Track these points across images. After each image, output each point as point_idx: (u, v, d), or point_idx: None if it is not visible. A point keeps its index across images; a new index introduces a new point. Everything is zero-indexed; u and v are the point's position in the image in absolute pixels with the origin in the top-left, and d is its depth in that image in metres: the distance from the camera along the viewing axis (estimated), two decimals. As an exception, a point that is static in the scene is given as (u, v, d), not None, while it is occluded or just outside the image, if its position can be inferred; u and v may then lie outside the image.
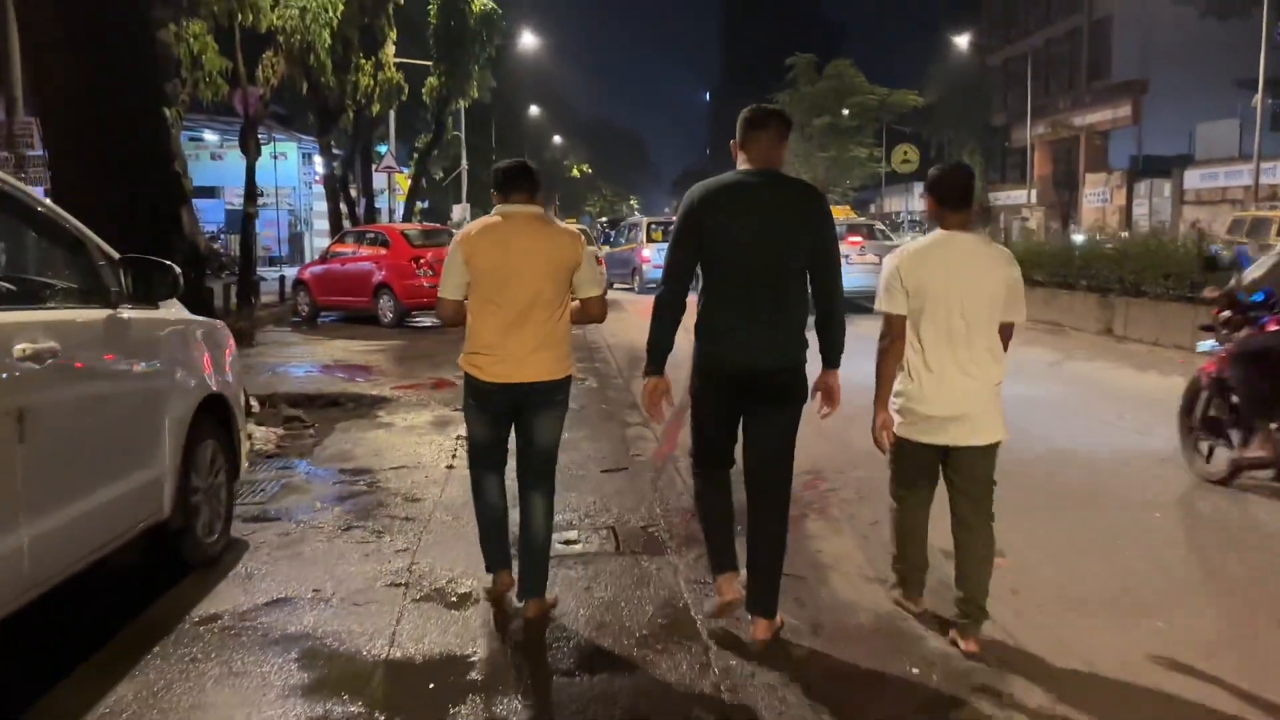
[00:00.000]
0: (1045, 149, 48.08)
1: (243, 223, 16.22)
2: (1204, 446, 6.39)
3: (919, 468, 3.94)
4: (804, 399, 3.86)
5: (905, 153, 22.62)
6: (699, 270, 3.80)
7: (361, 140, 23.41)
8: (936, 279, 3.74)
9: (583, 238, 4.40)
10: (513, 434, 4.24)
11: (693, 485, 4.12)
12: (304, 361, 12.50)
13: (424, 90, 24.91)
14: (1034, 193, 45.81)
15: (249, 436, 6.25)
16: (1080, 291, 13.81)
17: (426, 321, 17.45)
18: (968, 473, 3.83)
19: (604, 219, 56.06)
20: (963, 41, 45.59)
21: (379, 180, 29.01)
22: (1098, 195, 41.90)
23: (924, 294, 3.76)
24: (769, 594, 3.87)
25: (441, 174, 50.38)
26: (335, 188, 21.17)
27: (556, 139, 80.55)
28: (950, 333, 3.74)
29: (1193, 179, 35.98)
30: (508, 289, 3.99)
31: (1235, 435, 6.08)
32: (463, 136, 41.58)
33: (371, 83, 22.00)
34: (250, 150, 15.43)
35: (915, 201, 52.27)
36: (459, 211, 41.72)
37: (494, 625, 4.15)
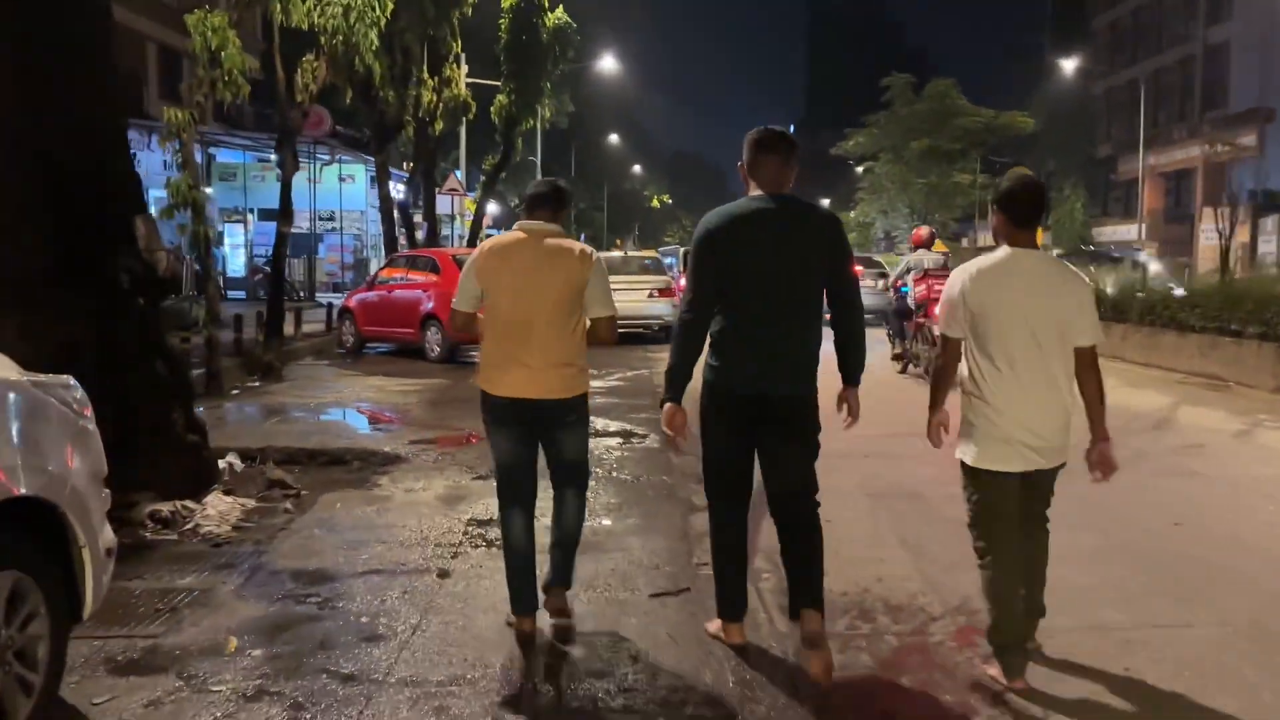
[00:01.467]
0: (1155, 182, 45.08)
1: (275, 244, 14.66)
2: None
3: (1004, 502, 3.68)
4: (818, 424, 3.85)
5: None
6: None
7: (424, 160, 21.93)
8: (1006, 300, 3.58)
9: (595, 256, 4.14)
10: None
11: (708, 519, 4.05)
12: (324, 403, 10.79)
13: (492, 109, 23.38)
14: (1143, 228, 42.81)
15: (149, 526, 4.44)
16: (1250, 340, 11.47)
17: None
18: (1039, 494, 3.76)
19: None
20: (1069, 66, 42.93)
21: (445, 204, 27.60)
22: (1216, 232, 38.78)
23: (992, 315, 3.59)
24: (815, 589, 3.82)
25: (517, 200, 49.30)
26: (391, 209, 19.62)
27: (637, 168, 79.38)
28: (1025, 355, 3.57)
29: (1327, 213, 32.82)
30: (516, 304, 4.00)
31: None
32: (538, 161, 40.19)
33: (435, 98, 20.52)
34: (287, 164, 13.92)
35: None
36: (532, 239, 40.51)
37: None
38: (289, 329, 15.92)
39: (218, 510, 6.15)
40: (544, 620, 4.21)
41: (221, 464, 7.22)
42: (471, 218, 31.40)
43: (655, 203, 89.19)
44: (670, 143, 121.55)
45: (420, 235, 23.54)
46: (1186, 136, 43.21)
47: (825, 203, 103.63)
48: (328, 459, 7.81)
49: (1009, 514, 3.68)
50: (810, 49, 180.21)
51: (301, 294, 25.79)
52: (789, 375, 3.77)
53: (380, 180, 19.57)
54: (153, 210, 7.69)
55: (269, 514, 6.20)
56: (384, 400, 11.02)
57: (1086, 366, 3.65)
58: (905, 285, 12.53)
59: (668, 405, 3.85)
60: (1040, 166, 42.64)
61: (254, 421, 9.72)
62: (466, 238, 26.48)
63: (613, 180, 70.15)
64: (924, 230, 13.19)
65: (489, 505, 6.04)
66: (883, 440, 7.97)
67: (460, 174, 30.17)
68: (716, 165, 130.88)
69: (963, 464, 3.74)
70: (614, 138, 66.85)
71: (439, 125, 21.01)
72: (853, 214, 37.21)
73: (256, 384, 12.06)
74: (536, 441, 4.14)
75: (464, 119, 22.81)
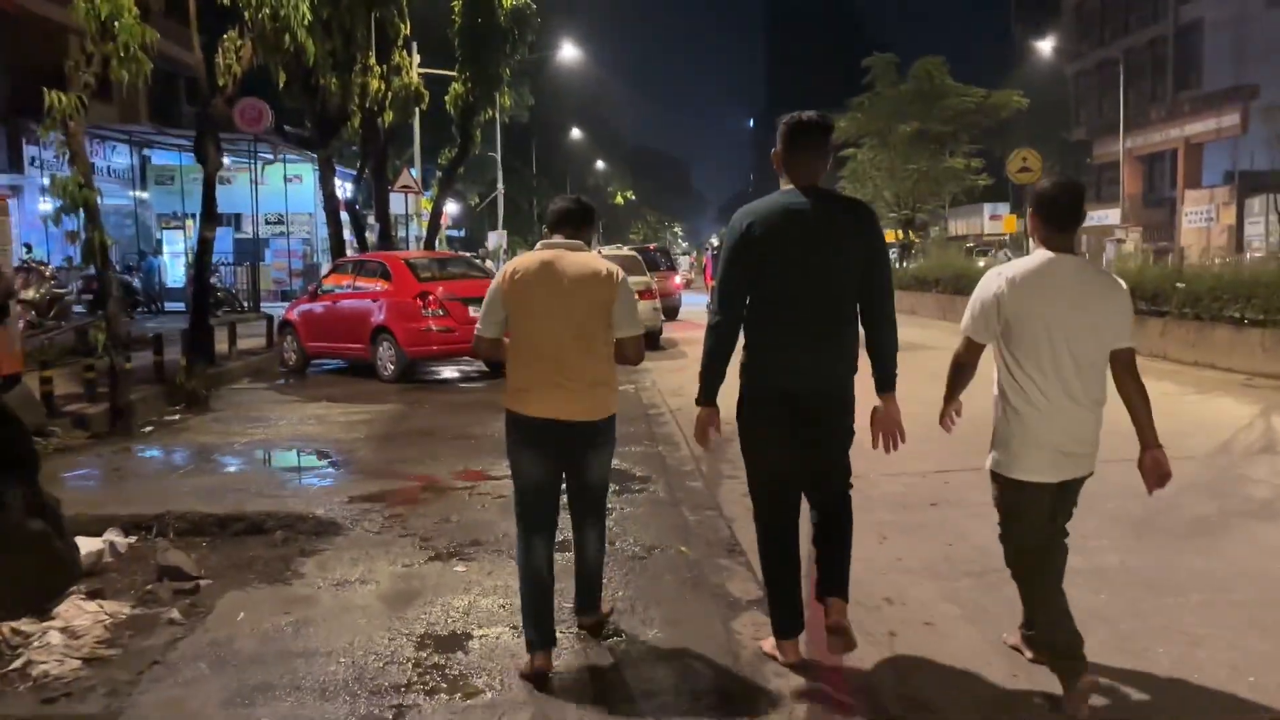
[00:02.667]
0: (1134, 165, 44.03)
1: (197, 252, 12.79)
2: None
3: (1039, 513, 3.57)
4: (852, 419, 3.81)
5: (1025, 159, 18.51)
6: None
7: (374, 156, 20.06)
8: (1044, 306, 3.46)
9: (621, 274, 4.02)
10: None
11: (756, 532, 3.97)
12: (252, 442, 8.97)
13: (447, 98, 21.53)
14: (1125, 211, 41.71)
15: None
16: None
17: (445, 372, 13.93)
18: (1066, 504, 3.67)
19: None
20: (1045, 48, 41.70)
21: (399, 203, 25.70)
22: (1200, 214, 37.72)
23: (1028, 321, 3.47)
24: (841, 577, 3.80)
25: (477, 199, 47.32)
26: (336, 209, 17.70)
27: (600, 164, 77.59)
28: (1057, 363, 3.45)
29: (1320, 193, 31.71)
30: (546, 326, 3.93)
31: None
32: (498, 157, 38.33)
33: (383, 86, 18.64)
34: (209, 158, 12.07)
35: (987, 224, 48.46)
36: (495, 239, 38.47)
37: None
38: (223, 346, 14.06)
39: (67, 632, 4.37)
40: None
41: (97, 546, 5.48)
42: (428, 217, 29.59)
43: (619, 199, 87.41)
44: (632, 137, 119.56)
45: (372, 238, 21.66)
46: (1165, 118, 42.13)
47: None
48: (244, 526, 6.08)
49: (1044, 532, 3.62)
50: (769, 39, 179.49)
51: (245, 305, 23.82)
52: (830, 370, 3.72)
53: (324, 177, 17.67)
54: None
55: (146, 629, 4.46)
56: (325, 435, 9.21)
57: (1125, 368, 3.54)
58: None
59: (704, 409, 3.86)
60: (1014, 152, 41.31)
61: (159, 473, 7.91)
62: (424, 239, 24.56)
63: (575, 176, 68.34)
64: None
65: (451, 607, 4.55)
66: (942, 479, 6.34)
67: (415, 171, 28.34)
68: (679, 159, 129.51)
69: (994, 474, 3.64)
70: (576, 132, 64.98)
71: (389, 117, 19.13)
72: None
73: (177, 417, 10.22)
74: (562, 466, 4.05)
75: (416, 110, 20.89)
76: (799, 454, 3.78)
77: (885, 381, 3.77)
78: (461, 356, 13.83)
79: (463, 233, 51.54)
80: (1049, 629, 3.55)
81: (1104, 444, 3.62)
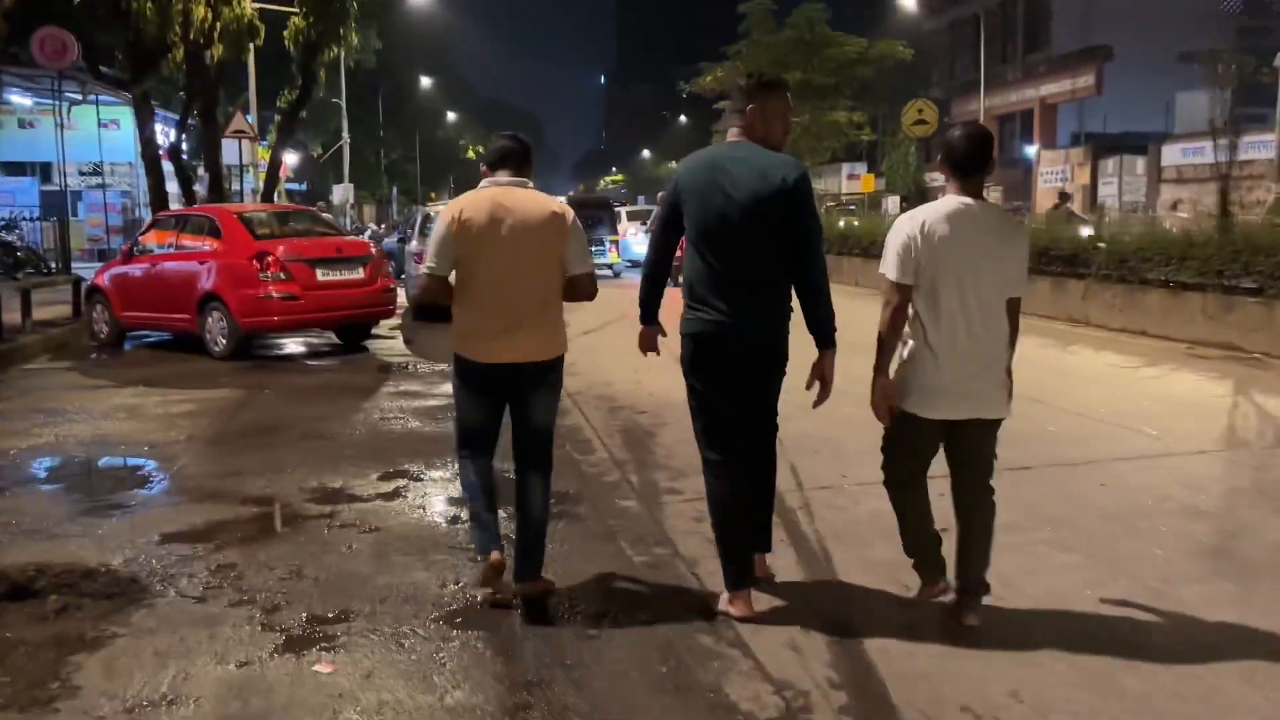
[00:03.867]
0: (989, 125, 44.30)
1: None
2: None
3: (925, 447, 3.76)
4: (783, 368, 3.89)
5: (920, 110, 17.35)
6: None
7: (202, 97, 17.55)
8: (952, 249, 3.56)
9: (571, 213, 4.02)
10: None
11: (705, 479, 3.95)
12: (34, 446, 6.96)
13: (286, 33, 19.08)
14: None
15: None
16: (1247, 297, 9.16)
17: (288, 346, 11.95)
18: (975, 448, 3.73)
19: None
20: (909, 3, 41.28)
21: (233, 152, 23.03)
22: (1055, 174, 38.10)
23: (938, 264, 3.56)
24: (766, 530, 4.07)
25: (321, 150, 44.12)
26: (155, 156, 15.23)
27: (451, 116, 74.43)
28: (964, 305, 3.58)
29: (1172, 154, 32.22)
30: (497, 264, 3.86)
31: None
32: (343, 104, 35.52)
33: (209, 16, 16.20)
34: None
35: (845, 184, 48.10)
36: (340, 192, 35.71)
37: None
38: (13, 317, 11.71)
39: None
40: None
41: None
42: (266, 168, 26.86)
43: (471, 153, 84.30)
44: (484, 88, 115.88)
45: (201, 191, 19.14)
46: (1021, 78, 42.51)
47: (646, 155, 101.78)
48: (4, 590, 4.25)
49: (925, 463, 3.79)
50: (620, 2, 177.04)
51: (52, 266, 20.85)
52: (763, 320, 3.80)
53: (141, 119, 15.20)
54: None
55: None
56: (135, 436, 7.28)
57: (1012, 315, 3.70)
58: None
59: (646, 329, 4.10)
60: (876, 110, 40.99)
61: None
62: (260, 192, 22.00)
63: (425, 129, 65.14)
64: None
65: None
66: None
67: (252, 118, 25.59)
68: (532, 114, 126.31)
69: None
70: (426, 82, 61.78)
71: (218, 50, 16.69)
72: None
73: (-63, 412, 8.08)
74: (506, 407, 4.03)
75: (251, 46, 18.39)
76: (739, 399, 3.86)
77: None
78: (310, 328, 11.87)
79: (304, 186, 48.11)
80: (907, 539, 3.85)
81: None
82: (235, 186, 25.16)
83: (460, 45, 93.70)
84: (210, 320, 10.88)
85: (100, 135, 23.50)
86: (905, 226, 3.63)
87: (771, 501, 4.09)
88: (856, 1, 53.78)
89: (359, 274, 11.20)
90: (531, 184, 4.00)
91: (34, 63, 20.55)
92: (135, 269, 11.81)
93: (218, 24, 16.53)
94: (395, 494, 5.65)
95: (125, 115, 24.76)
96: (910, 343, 3.67)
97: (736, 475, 3.84)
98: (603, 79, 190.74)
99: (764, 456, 3.98)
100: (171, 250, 11.58)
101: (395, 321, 13.51)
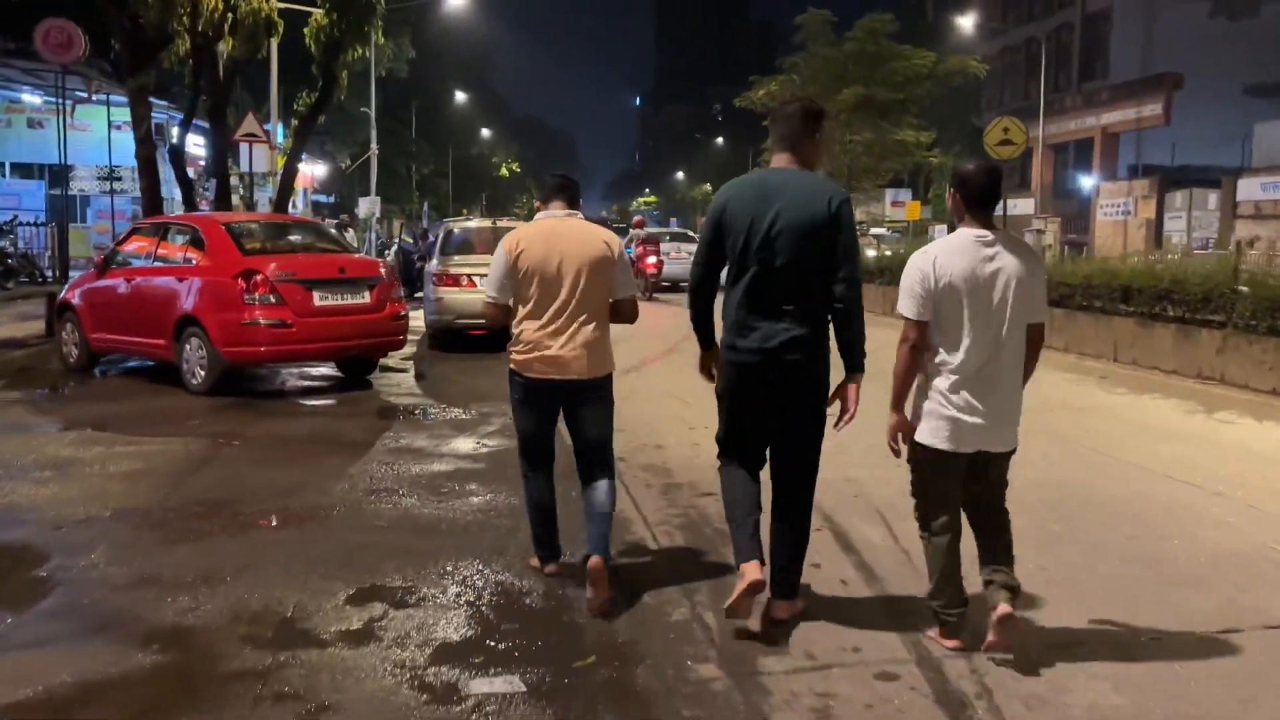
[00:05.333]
0: (1045, 154, 42.35)
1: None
2: None
3: (951, 482, 3.74)
4: (825, 398, 3.90)
5: (1006, 128, 15.38)
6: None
7: (212, 96, 16.05)
8: (965, 281, 3.60)
9: (619, 243, 4.42)
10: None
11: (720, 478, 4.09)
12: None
13: (307, 31, 17.57)
14: (1038, 201, 39.94)
15: None
16: None
17: (281, 378, 10.29)
18: (994, 478, 3.77)
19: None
20: (965, 24, 39.47)
21: (256, 160, 21.50)
22: (1116, 207, 36.07)
23: (952, 297, 3.61)
24: (793, 575, 3.97)
25: (349, 161, 42.73)
26: (151, 158, 13.64)
27: (485, 132, 73.16)
28: (982, 337, 3.61)
29: (1250, 189, 30.15)
30: (551, 289, 4.18)
31: None
32: (372, 113, 34.06)
33: (220, 6, 14.69)
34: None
35: (888, 210, 46.20)
36: (366, 205, 34.15)
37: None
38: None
39: None
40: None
41: None
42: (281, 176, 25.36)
43: (504, 170, 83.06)
44: (518, 104, 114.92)
45: (209, 198, 17.61)
46: (1081, 106, 40.58)
47: (679, 176, 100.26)
48: None
49: (956, 499, 3.75)
50: (658, 16, 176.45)
51: (48, 275, 19.41)
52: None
53: (136, 117, 13.65)
54: None
55: None
56: (51, 506, 5.58)
57: (1033, 342, 3.72)
58: None
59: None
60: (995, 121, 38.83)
61: None
62: (275, 202, 20.37)
63: (459, 144, 63.80)
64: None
65: None
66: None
67: (273, 126, 24.15)
68: (566, 132, 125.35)
69: (913, 440, 3.75)
70: (461, 96, 60.49)
71: (228, 45, 15.17)
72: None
73: None
74: (557, 418, 4.37)
75: (268, 44, 16.85)
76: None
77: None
78: (305, 361, 10.20)
79: (332, 198, 46.82)
80: (935, 587, 3.77)
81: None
82: (256, 196, 23.68)
83: (497, 61, 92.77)
84: (188, 348, 9.23)
85: (111, 137, 22.08)
86: (918, 263, 3.68)
87: (799, 546, 3.98)
88: (903, 28, 52.21)
89: (364, 298, 9.50)
90: (581, 215, 4.39)
91: (39, 56, 19.24)
92: (110, 284, 10.19)
93: (230, 15, 15.02)
94: (366, 633, 3.91)
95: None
96: (929, 377, 3.70)
97: (749, 472, 3.98)
98: (638, 100, 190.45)
99: (795, 495, 3.95)
100: (150, 264, 9.95)
101: (411, 350, 11.91)
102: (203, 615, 4.06)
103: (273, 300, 8.91)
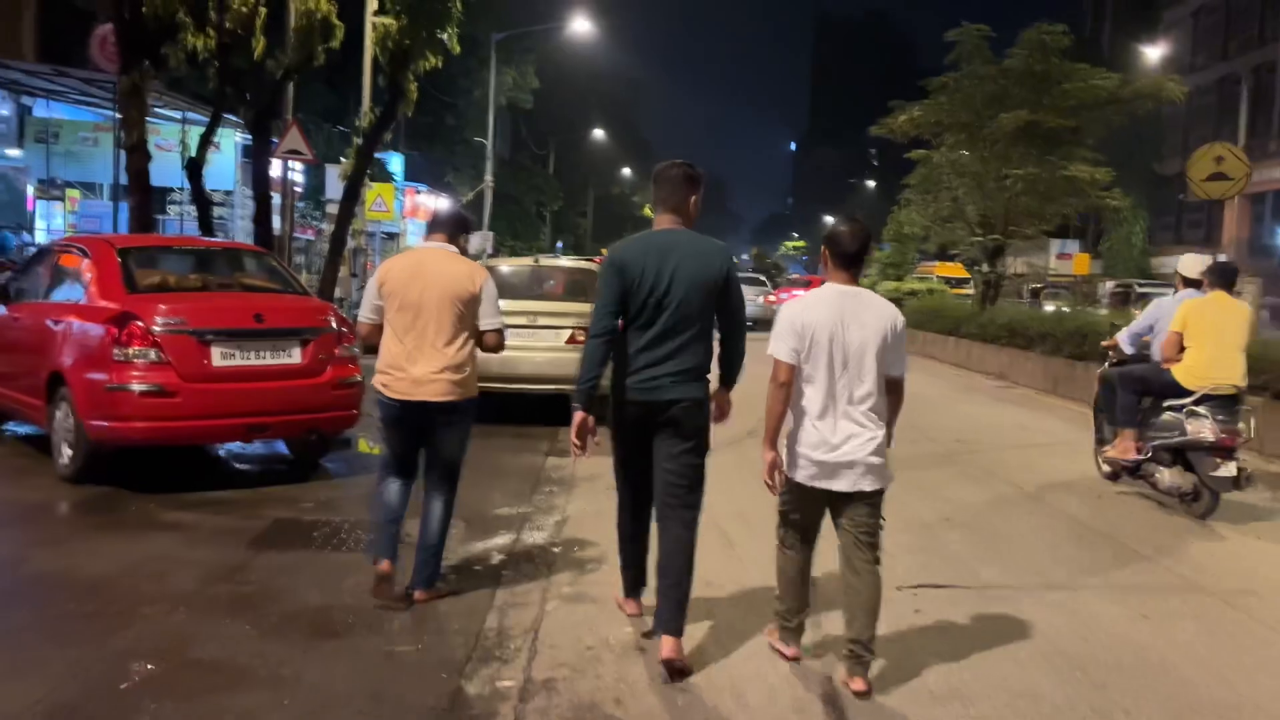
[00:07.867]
0: (1240, 204, 37.39)
1: None
2: None
3: (810, 513, 4.04)
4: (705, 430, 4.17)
5: (1219, 158, 11.86)
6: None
7: (254, 102, 13.97)
8: (823, 330, 3.87)
9: (486, 272, 4.68)
10: None
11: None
12: None
13: (372, 38, 15.40)
14: (1222, 259, 35.02)
15: None
16: None
17: (187, 454, 7.50)
18: (856, 518, 3.92)
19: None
20: (1153, 55, 35.08)
21: (334, 186, 19.41)
22: (1328, 267, 31.05)
23: (812, 344, 3.88)
24: (677, 613, 4.04)
25: (470, 195, 41.13)
26: (143, 168, 11.32)
27: (626, 171, 71.38)
28: (835, 382, 3.86)
29: None
30: (411, 315, 4.47)
31: None
32: (489, 144, 32.14)
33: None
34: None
35: (1053, 262, 41.66)
36: (477, 241, 32.20)
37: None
38: None
39: None
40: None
41: None
42: (384, 208, 23.37)
43: (647, 210, 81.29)
44: (663, 148, 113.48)
45: (314, 227, 15.48)
46: (1282, 150, 35.58)
47: (829, 220, 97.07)
48: None
49: (813, 528, 4.06)
50: (815, 61, 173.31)
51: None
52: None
53: (127, 121, 11.48)
54: None
55: None
56: None
57: (892, 394, 3.98)
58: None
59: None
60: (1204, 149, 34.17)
61: None
62: (334, 232, 17.81)
63: (600, 183, 62.07)
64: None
65: None
66: None
67: (396, 163, 22.08)
68: (714, 175, 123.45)
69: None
70: (599, 133, 58.72)
71: (259, 45, 12.98)
72: (888, 228, 27.58)
73: None
74: (420, 438, 4.60)
75: (323, 48, 14.57)
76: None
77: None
78: (200, 442, 7.49)
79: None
80: (783, 604, 4.14)
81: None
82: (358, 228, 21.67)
83: (646, 103, 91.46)
84: (59, 415, 6.73)
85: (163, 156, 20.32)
86: (788, 312, 3.99)
87: (683, 580, 4.04)
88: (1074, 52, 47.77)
89: (291, 357, 6.77)
90: (452, 246, 4.70)
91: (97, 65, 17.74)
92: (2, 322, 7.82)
93: (263, 10, 12.88)
94: None
95: (226, 136, 21.76)
96: (796, 417, 3.96)
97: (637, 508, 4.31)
98: (793, 145, 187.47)
99: (675, 526, 4.09)
100: (41, 298, 7.53)
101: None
102: None
103: (151, 357, 6.28)
